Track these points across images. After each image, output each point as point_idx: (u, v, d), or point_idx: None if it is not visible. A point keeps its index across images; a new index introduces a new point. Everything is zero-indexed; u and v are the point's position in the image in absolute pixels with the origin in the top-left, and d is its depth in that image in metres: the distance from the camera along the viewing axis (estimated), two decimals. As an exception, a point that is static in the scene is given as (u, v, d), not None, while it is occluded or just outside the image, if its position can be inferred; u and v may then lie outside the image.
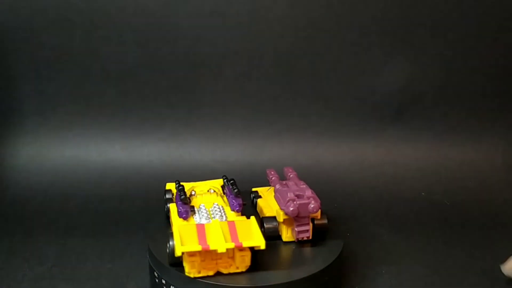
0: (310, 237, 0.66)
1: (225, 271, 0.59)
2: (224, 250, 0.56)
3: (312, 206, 0.63)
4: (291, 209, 0.62)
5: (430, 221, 0.92)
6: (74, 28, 1.05)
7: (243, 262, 0.59)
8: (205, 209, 0.66)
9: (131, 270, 0.75)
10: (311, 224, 0.65)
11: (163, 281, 0.63)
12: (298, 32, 1.07)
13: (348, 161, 1.10)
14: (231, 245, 0.56)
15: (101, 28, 1.05)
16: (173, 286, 0.62)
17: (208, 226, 0.60)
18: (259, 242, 0.57)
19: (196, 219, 0.64)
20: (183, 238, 0.58)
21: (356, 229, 0.87)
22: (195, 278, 0.58)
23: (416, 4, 1.05)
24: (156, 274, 0.64)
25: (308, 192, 0.65)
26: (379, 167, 1.09)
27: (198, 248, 0.56)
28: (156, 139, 1.10)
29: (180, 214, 0.64)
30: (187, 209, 0.64)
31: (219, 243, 0.56)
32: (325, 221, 0.68)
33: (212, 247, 0.56)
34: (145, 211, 0.92)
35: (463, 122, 1.12)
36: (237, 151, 1.09)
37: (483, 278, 0.74)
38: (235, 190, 0.67)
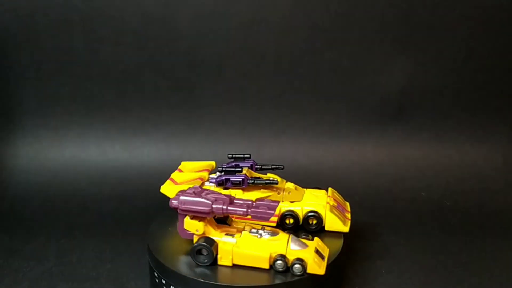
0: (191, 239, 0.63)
1: None
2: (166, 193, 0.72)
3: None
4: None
5: (430, 221, 0.92)
6: (74, 28, 1.05)
7: None
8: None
9: (131, 270, 0.75)
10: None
11: (163, 281, 0.63)
12: (298, 32, 1.07)
13: (348, 161, 1.10)
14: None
15: (101, 28, 1.05)
16: (173, 286, 0.62)
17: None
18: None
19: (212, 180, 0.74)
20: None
21: (356, 229, 0.87)
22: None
23: (416, 4, 1.05)
24: (156, 274, 0.64)
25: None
26: (379, 167, 1.09)
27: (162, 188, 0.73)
28: (156, 139, 1.10)
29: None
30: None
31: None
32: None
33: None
34: (145, 211, 0.92)
35: (463, 122, 1.12)
36: (237, 151, 1.08)
37: (483, 278, 0.74)
38: (219, 168, 0.73)
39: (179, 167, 0.80)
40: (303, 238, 0.63)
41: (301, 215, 0.70)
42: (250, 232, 0.63)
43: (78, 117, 1.09)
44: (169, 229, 0.68)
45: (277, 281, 0.59)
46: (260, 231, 0.63)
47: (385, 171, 1.08)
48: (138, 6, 1.04)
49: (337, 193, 0.77)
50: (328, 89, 1.11)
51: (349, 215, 0.73)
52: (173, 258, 0.64)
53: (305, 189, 0.75)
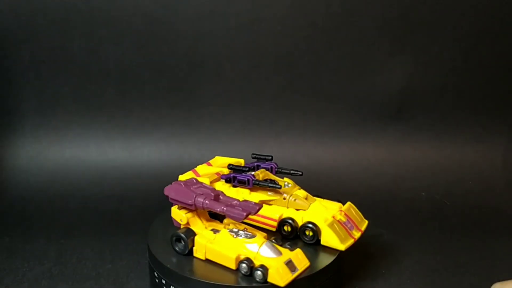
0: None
1: None
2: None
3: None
4: None
5: (430, 221, 0.92)
6: (74, 28, 1.05)
7: None
8: None
9: (131, 270, 0.75)
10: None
11: (163, 281, 0.63)
12: (298, 32, 1.07)
13: (348, 161, 1.10)
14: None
15: (101, 28, 1.05)
16: (173, 286, 0.62)
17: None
18: None
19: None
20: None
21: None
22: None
23: (416, 4, 1.05)
24: (156, 274, 0.64)
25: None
26: (379, 167, 1.09)
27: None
28: (156, 139, 1.10)
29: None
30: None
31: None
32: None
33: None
34: (145, 211, 0.92)
35: (463, 122, 1.12)
36: (237, 151, 1.09)
37: (483, 278, 0.74)
38: (230, 166, 0.76)
39: (210, 160, 0.80)
40: (285, 247, 0.62)
41: (299, 225, 0.68)
42: (230, 230, 0.63)
43: (78, 117, 1.09)
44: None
45: (243, 283, 0.59)
46: (240, 232, 0.63)
47: (385, 171, 1.08)
48: (138, 6, 1.04)
49: (356, 209, 0.73)
50: (328, 89, 1.11)
51: (358, 234, 0.69)
52: (173, 258, 0.64)
53: (318, 198, 0.72)
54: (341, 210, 0.70)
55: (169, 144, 1.10)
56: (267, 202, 0.70)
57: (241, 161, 0.79)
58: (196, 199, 0.62)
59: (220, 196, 0.64)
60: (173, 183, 0.66)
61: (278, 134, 1.11)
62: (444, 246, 0.83)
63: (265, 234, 0.64)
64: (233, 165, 0.75)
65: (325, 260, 0.64)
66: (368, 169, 1.08)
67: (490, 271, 0.76)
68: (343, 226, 0.68)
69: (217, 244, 0.62)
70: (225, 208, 0.60)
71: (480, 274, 0.75)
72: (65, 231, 0.86)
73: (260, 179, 0.71)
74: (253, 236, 0.62)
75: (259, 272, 0.58)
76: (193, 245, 0.64)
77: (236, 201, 0.62)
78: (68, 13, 1.04)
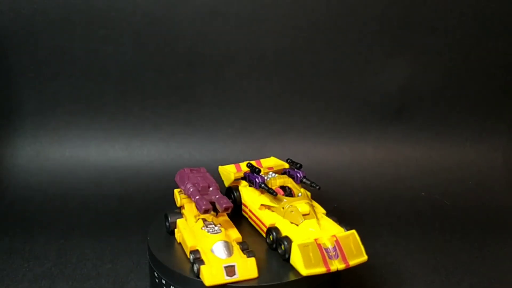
0: None
1: None
2: None
3: None
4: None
5: (430, 221, 0.92)
6: (74, 28, 1.05)
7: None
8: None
9: (131, 270, 0.75)
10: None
11: (163, 281, 0.63)
12: (298, 32, 1.07)
13: (348, 161, 1.10)
14: None
15: (101, 28, 1.05)
16: (173, 286, 0.62)
17: None
18: None
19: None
20: None
21: (356, 229, 0.87)
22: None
23: (416, 4, 1.05)
24: (156, 274, 0.64)
25: None
26: (379, 167, 1.09)
27: None
28: (156, 139, 1.10)
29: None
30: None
31: None
32: None
33: None
34: (145, 211, 0.92)
35: (463, 122, 1.12)
36: (237, 151, 1.09)
37: (483, 278, 0.74)
38: (248, 164, 0.74)
39: (262, 159, 0.78)
40: (244, 254, 0.60)
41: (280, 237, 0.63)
42: (205, 222, 0.64)
43: (78, 117, 1.09)
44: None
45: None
46: (211, 225, 0.63)
47: (385, 171, 1.08)
48: (138, 6, 1.04)
49: (357, 240, 0.63)
50: (328, 89, 1.11)
51: (339, 266, 0.60)
52: (173, 258, 0.64)
53: (324, 216, 0.67)
54: (333, 236, 0.62)
55: (169, 144, 1.10)
56: (270, 207, 0.70)
57: (285, 165, 0.78)
58: (186, 185, 0.67)
59: (210, 188, 0.66)
60: (183, 168, 0.70)
61: (278, 134, 1.11)
62: (444, 246, 0.83)
63: (238, 236, 0.63)
64: (251, 163, 0.75)
65: (290, 276, 0.60)
66: (368, 169, 1.08)
67: (490, 271, 0.76)
68: (321, 252, 0.60)
69: (186, 232, 0.64)
70: (197, 197, 0.63)
71: (480, 274, 0.75)
72: (65, 231, 0.86)
73: (277, 184, 0.70)
74: (217, 232, 0.61)
75: (195, 266, 0.58)
76: (175, 227, 0.67)
77: (217, 196, 0.64)
78: (68, 13, 1.04)
